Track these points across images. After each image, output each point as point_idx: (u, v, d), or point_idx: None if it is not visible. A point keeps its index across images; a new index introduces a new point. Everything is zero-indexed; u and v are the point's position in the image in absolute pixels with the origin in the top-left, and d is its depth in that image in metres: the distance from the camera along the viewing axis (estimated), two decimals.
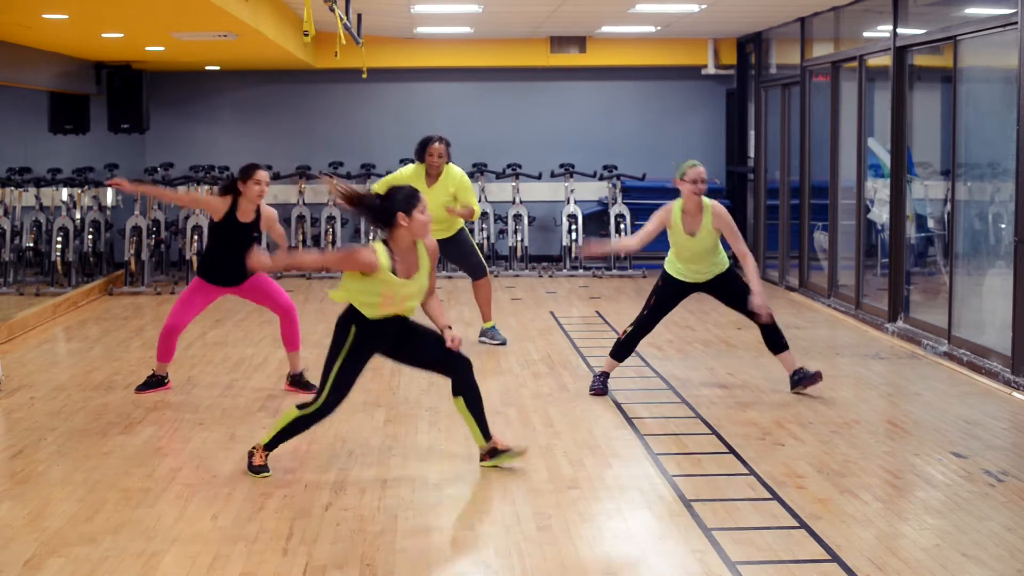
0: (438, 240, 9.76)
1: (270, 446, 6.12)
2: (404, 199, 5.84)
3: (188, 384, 8.37)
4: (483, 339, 9.92)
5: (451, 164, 9.50)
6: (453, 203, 9.48)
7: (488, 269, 9.96)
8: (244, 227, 7.87)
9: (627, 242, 8.20)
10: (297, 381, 8.20)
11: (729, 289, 7.88)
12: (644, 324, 7.97)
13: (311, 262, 6.92)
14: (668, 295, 7.94)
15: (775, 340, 7.97)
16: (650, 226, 7.79)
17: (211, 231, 8.02)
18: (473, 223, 14.83)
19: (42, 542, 5.15)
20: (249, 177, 7.79)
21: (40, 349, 9.93)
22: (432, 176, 9.42)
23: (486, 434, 6.27)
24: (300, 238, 14.88)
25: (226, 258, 7.88)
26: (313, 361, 9.15)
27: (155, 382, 8.18)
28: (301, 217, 14.97)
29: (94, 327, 11.02)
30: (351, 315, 5.96)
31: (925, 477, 6.10)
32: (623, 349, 8.04)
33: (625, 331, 8.02)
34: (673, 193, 7.93)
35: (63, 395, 8.05)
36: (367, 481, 6.01)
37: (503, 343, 9.87)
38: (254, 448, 6.17)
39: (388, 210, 5.83)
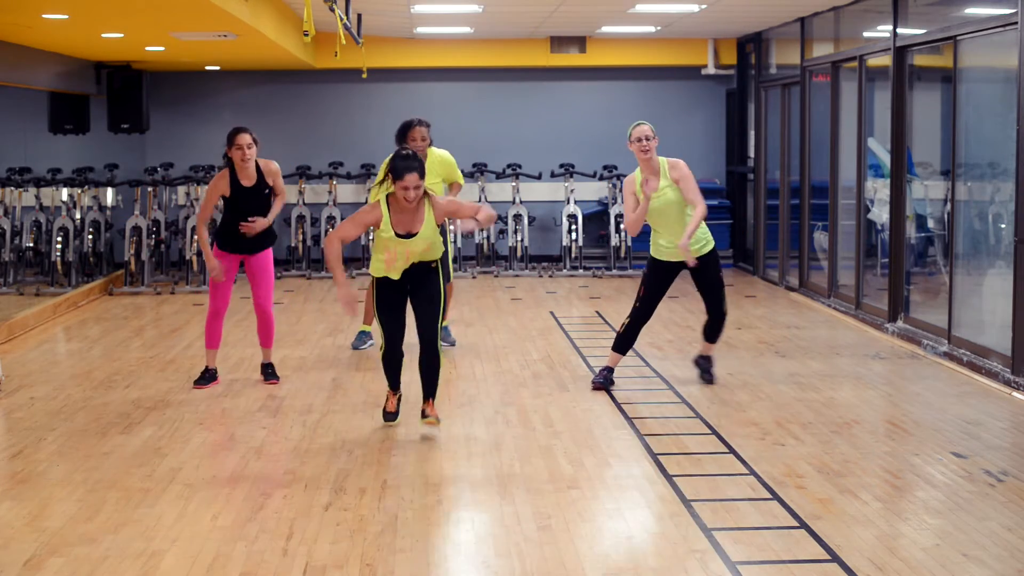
0: None
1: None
2: (394, 166, 6.55)
3: (188, 384, 8.36)
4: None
5: (434, 147, 9.09)
6: (440, 187, 9.06)
7: (452, 276, 9.73)
8: (251, 190, 8.09)
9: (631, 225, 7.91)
10: (264, 369, 8.48)
11: (705, 274, 7.98)
12: (640, 314, 8.10)
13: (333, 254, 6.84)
14: (657, 280, 8.06)
15: (714, 331, 8.22)
16: (629, 203, 7.84)
17: (226, 204, 8.12)
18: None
19: (42, 542, 5.15)
20: (231, 143, 8.07)
21: (40, 349, 9.92)
22: None
23: (425, 394, 6.96)
24: (300, 238, 14.87)
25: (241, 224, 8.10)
26: (312, 360, 9.17)
27: (208, 377, 8.33)
28: (301, 217, 14.96)
29: (94, 327, 11.01)
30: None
31: (925, 477, 6.10)
32: (624, 341, 8.16)
33: (623, 324, 8.15)
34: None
35: (63, 395, 8.05)
36: (367, 481, 6.01)
37: (452, 344, 9.71)
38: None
39: (389, 168, 6.62)
